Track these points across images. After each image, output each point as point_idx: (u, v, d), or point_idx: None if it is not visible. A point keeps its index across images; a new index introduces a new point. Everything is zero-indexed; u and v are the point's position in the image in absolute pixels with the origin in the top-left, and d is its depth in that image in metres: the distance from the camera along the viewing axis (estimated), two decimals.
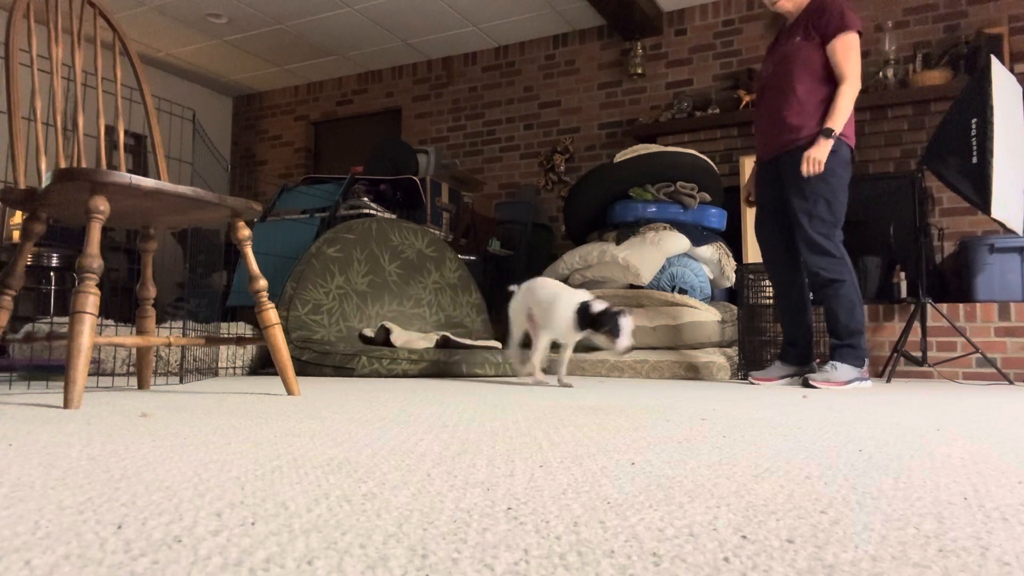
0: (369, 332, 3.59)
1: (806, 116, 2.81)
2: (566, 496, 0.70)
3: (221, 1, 5.32)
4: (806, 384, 2.77)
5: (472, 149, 6.13)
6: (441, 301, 4.07)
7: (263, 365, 3.37)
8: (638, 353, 3.63)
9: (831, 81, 2.79)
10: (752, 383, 3.01)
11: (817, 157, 2.72)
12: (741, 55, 5.13)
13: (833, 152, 2.76)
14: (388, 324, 3.53)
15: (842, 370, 2.76)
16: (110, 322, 3.20)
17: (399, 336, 3.46)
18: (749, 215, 4.44)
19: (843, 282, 2.79)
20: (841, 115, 2.73)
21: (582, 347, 3.83)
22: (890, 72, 4.45)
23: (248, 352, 3.23)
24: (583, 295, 2.58)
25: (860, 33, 2.78)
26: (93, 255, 1.58)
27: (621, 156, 4.06)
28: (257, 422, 1.29)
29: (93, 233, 1.60)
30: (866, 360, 2.83)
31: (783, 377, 3.01)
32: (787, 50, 2.88)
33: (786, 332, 3.05)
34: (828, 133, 2.72)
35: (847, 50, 2.73)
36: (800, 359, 3.01)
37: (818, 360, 3.08)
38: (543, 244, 5.31)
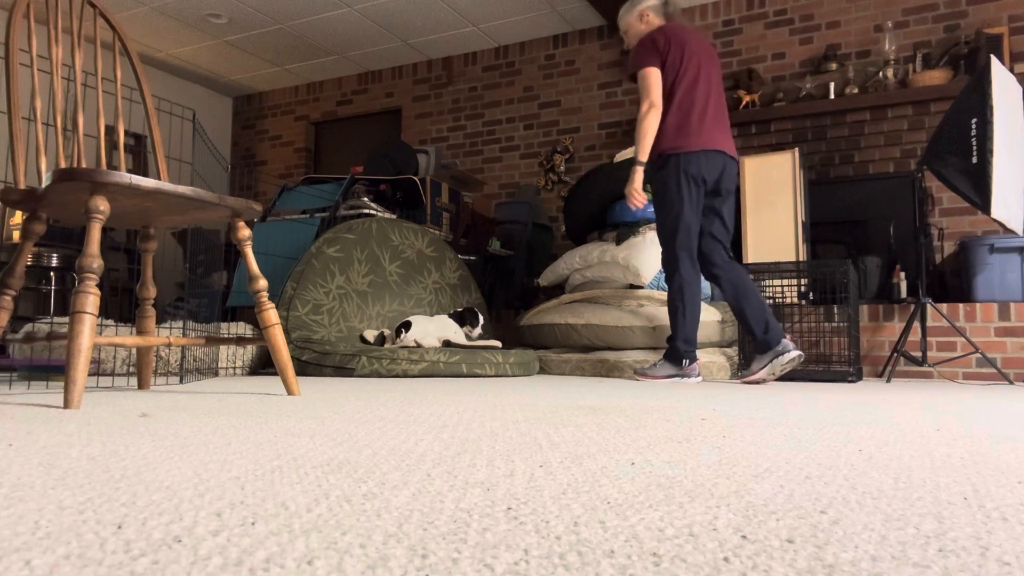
0: (369, 335, 3.59)
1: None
2: (566, 496, 0.70)
3: (221, 1, 5.32)
4: (639, 375, 3.14)
5: (472, 149, 6.13)
6: (441, 301, 4.07)
7: (263, 365, 3.37)
8: (638, 353, 3.63)
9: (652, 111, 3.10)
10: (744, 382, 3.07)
11: (630, 188, 3.08)
12: (741, 55, 5.13)
13: (661, 168, 3.08)
14: (411, 318, 3.55)
15: (660, 366, 3.10)
16: (110, 322, 3.20)
17: (416, 332, 3.47)
18: (749, 215, 4.44)
19: (671, 287, 3.11)
20: (640, 144, 3.03)
21: (581, 347, 3.84)
22: (890, 72, 4.45)
23: (248, 352, 3.23)
24: None
25: (663, 56, 3.07)
26: (93, 255, 1.58)
27: (621, 156, 4.06)
28: (257, 422, 1.29)
29: (93, 233, 1.60)
30: (684, 361, 3.08)
31: (763, 367, 3.08)
32: None
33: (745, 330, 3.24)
34: (633, 162, 3.08)
35: (640, 85, 3.09)
36: (763, 346, 3.05)
37: (788, 337, 3.12)
38: (543, 244, 5.31)
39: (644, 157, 3.04)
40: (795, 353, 2.98)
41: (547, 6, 5.34)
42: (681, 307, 3.07)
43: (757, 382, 3.03)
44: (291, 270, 3.62)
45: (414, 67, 6.45)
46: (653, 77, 3.05)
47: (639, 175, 3.06)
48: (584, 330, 3.77)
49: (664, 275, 3.15)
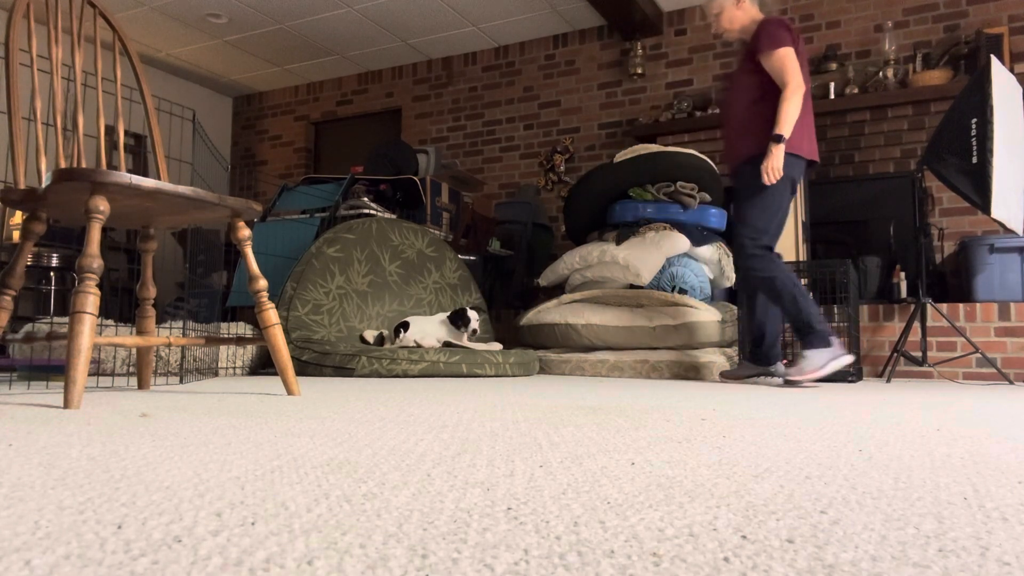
0: (369, 335, 3.59)
1: (749, 135, 3.00)
2: (566, 496, 0.70)
3: (221, 1, 5.32)
4: (788, 383, 2.89)
5: (472, 149, 6.13)
6: (441, 301, 4.07)
7: (263, 365, 3.37)
8: (638, 353, 3.63)
9: (767, 100, 2.96)
10: (722, 381, 3.17)
11: (771, 165, 2.88)
12: None
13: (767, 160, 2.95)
14: (409, 319, 3.55)
15: (811, 357, 2.87)
16: (110, 322, 3.20)
17: (414, 332, 3.47)
18: None
19: (774, 278, 2.95)
20: (786, 120, 2.89)
21: (582, 347, 3.84)
22: (890, 72, 4.45)
23: (248, 352, 3.23)
24: None
25: (794, 44, 2.96)
26: (93, 255, 1.58)
27: (621, 156, 4.06)
28: (257, 422, 1.29)
29: (93, 233, 1.60)
30: (831, 337, 2.89)
31: (749, 376, 3.15)
32: (736, 73, 3.13)
33: (751, 332, 3.20)
34: (777, 139, 2.88)
35: (780, 64, 2.93)
36: (761, 359, 3.11)
37: (785, 361, 3.16)
38: (543, 244, 5.31)
39: (788, 135, 2.90)
40: (782, 380, 3.09)
41: (547, 6, 5.34)
42: (797, 293, 2.93)
43: (732, 380, 3.15)
44: (291, 270, 3.62)
45: (414, 67, 6.45)
46: (793, 58, 2.92)
47: (781, 151, 2.88)
48: (584, 330, 3.77)
49: (753, 274, 2.97)
